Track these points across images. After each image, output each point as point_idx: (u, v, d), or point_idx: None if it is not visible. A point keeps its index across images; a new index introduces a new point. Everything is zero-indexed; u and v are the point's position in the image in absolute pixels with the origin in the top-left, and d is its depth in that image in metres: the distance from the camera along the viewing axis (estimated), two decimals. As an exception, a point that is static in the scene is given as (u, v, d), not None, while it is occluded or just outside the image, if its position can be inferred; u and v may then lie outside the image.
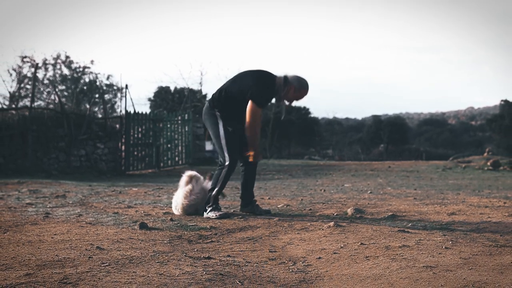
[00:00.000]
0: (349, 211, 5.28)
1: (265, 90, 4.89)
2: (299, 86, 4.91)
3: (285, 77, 4.91)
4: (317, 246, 3.69)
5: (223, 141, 4.96)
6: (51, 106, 20.53)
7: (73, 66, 26.74)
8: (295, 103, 5.09)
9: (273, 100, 5.12)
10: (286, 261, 3.26)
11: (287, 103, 5.02)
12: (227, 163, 4.96)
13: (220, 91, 5.04)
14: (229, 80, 5.17)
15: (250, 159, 5.01)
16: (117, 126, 15.51)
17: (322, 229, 4.29)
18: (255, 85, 4.85)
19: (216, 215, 4.88)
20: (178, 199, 5.16)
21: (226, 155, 4.96)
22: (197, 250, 3.54)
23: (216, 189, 5.00)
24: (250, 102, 4.84)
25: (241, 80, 4.97)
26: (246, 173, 5.20)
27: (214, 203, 5.01)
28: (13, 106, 20.92)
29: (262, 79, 4.92)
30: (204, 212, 5.00)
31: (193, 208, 5.12)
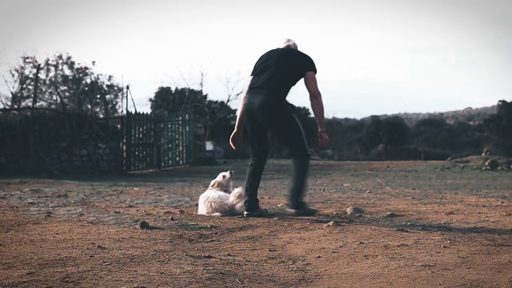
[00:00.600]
0: (348, 210, 5.28)
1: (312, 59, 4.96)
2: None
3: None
4: (316, 245, 3.69)
5: (302, 132, 4.92)
6: (53, 106, 20.56)
7: (75, 67, 26.75)
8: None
9: None
10: (286, 260, 3.26)
11: None
12: (308, 153, 4.93)
13: (277, 79, 4.84)
14: (267, 67, 4.90)
15: (322, 144, 5.02)
16: (119, 126, 15.53)
17: (322, 229, 4.29)
18: (306, 58, 4.90)
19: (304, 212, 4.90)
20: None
21: (306, 146, 4.96)
22: (197, 249, 3.54)
23: (303, 184, 4.93)
24: (310, 74, 4.84)
25: (287, 63, 4.87)
26: (254, 170, 5.09)
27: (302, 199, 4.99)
28: (15, 106, 20.93)
29: (303, 52, 5.00)
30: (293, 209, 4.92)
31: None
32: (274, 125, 4.93)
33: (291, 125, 4.89)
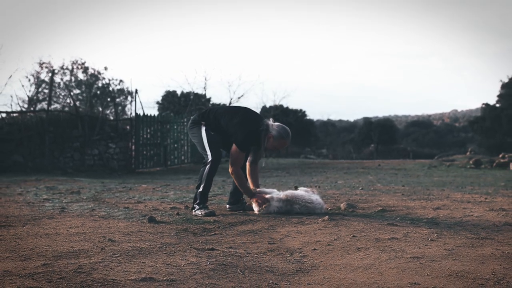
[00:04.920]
0: (342, 206, 5.28)
1: (248, 138, 4.74)
2: (278, 136, 4.72)
3: (267, 125, 4.76)
4: (312, 238, 3.69)
5: (205, 141, 4.83)
6: (67, 109, 20.54)
7: (89, 72, 26.73)
8: (275, 147, 4.79)
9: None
10: (284, 252, 3.26)
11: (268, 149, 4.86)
12: (209, 159, 4.81)
13: (210, 111, 4.95)
14: (221, 107, 5.12)
15: (256, 210, 4.87)
16: (128, 127, 15.53)
17: (317, 223, 4.28)
18: (240, 132, 4.71)
19: (202, 213, 4.73)
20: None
21: (209, 152, 4.83)
22: (201, 242, 3.54)
23: (202, 185, 4.85)
24: (234, 145, 4.74)
25: (230, 118, 4.81)
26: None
27: (201, 201, 4.84)
28: (32, 109, 20.90)
29: (248, 127, 4.74)
30: (193, 210, 4.87)
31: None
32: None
33: (197, 136, 4.96)
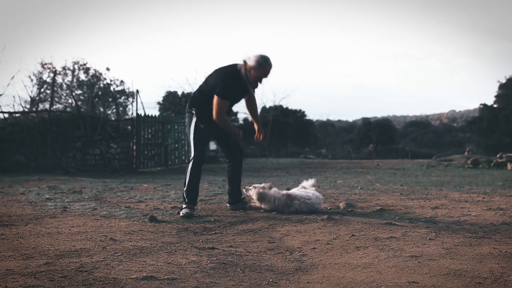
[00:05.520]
0: (341, 205, 5.28)
1: (228, 84, 4.65)
2: (257, 65, 4.60)
3: (244, 62, 4.67)
4: (312, 237, 3.69)
5: (191, 136, 4.78)
6: (69, 109, 20.54)
7: (90, 72, 26.73)
8: (266, 83, 4.90)
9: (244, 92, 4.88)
10: (284, 251, 3.26)
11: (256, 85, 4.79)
12: (191, 156, 4.77)
13: (195, 92, 4.93)
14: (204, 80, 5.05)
15: (238, 138, 4.96)
16: (129, 127, 15.52)
17: (317, 222, 4.28)
18: (219, 81, 4.65)
19: (181, 213, 4.62)
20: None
21: (192, 148, 4.78)
22: (202, 241, 3.54)
23: (185, 184, 4.77)
24: (215, 96, 4.64)
25: (210, 78, 4.81)
26: (231, 169, 5.06)
27: (185, 200, 4.73)
28: (34, 109, 20.90)
29: (225, 74, 4.69)
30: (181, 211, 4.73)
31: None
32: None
33: (188, 129, 4.93)
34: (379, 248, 3.30)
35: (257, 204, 5.02)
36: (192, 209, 4.70)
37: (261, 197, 4.92)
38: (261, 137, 5.10)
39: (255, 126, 5.11)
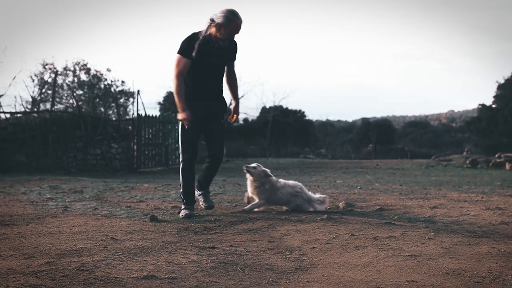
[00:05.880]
0: (341, 205, 5.28)
1: (185, 41, 4.36)
2: (226, 21, 4.25)
3: (212, 20, 4.32)
4: (311, 236, 3.69)
5: (179, 138, 4.64)
6: (70, 109, 20.55)
7: (91, 73, 26.77)
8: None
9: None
10: (283, 251, 3.26)
11: (221, 42, 4.37)
12: (180, 159, 4.69)
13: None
14: None
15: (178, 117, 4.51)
16: (130, 127, 15.52)
17: (316, 221, 4.28)
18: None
19: (182, 215, 4.55)
20: None
21: (180, 151, 4.68)
22: (202, 240, 3.54)
23: (181, 186, 4.74)
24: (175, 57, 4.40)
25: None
26: (208, 166, 4.76)
27: (183, 201, 4.68)
28: (35, 109, 20.91)
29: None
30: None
31: None
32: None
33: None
34: (379, 248, 3.30)
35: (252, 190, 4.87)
36: (191, 209, 4.65)
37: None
38: (234, 118, 4.81)
39: (233, 103, 4.82)
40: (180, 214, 4.61)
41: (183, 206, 4.70)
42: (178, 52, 4.39)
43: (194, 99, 4.54)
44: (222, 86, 4.71)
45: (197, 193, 4.85)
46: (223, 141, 4.79)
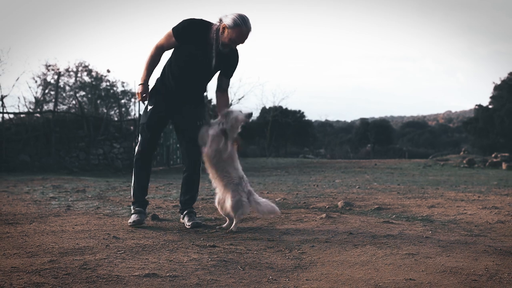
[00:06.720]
0: (339, 204, 5.28)
1: (185, 21, 3.83)
2: (232, 24, 3.66)
3: (220, 20, 3.77)
4: (310, 235, 3.69)
5: (139, 124, 4.10)
6: (73, 110, 20.54)
7: (93, 74, 26.77)
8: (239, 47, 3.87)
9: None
10: (283, 249, 3.26)
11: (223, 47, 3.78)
12: (135, 151, 4.15)
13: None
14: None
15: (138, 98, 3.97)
16: (132, 128, 15.53)
17: (315, 220, 4.28)
18: None
19: (129, 222, 3.97)
20: None
21: (138, 141, 4.15)
22: (203, 239, 3.54)
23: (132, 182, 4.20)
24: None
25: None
26: (185, 178, 4.24)
27: (133, 201, 4.14)
28: (38, 110, 20.90)
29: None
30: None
31: None
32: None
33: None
34: (377, 246, 3.30)
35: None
36: (141, 212, 4.00)
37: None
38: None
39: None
40: (128, 222, 3.98)
41: (132, 209, 4.09)
42: (173, 28, 3.83)
43: (167, 90, 3.97)
44: (202, 92, 4.14)
45: (181, 216, 4.19)
46: (198, 145, 3.99)
